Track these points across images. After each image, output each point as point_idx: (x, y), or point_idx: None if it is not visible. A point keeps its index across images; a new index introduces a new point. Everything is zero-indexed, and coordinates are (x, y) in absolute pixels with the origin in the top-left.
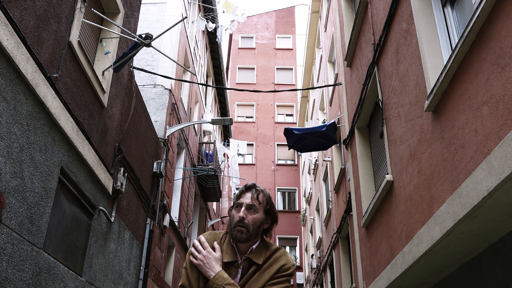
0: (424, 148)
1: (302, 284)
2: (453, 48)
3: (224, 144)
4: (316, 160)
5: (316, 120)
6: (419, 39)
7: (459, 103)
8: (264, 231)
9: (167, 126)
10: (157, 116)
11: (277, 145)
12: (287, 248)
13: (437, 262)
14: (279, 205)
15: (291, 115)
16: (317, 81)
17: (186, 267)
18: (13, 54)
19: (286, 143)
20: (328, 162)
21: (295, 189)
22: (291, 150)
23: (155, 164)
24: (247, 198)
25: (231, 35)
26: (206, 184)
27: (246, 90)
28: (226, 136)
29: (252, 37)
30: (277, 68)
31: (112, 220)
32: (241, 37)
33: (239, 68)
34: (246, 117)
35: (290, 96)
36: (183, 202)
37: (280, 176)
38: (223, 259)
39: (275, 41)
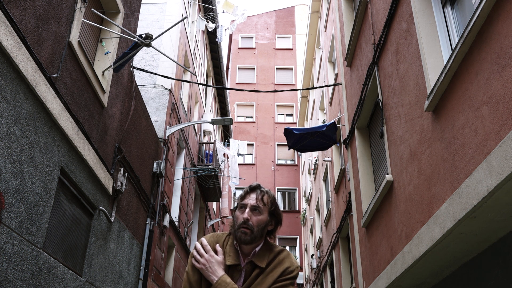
0: (424, 148)
1: (302, 284)
2: (453, 48)
3: (224, 144)
4: (316, 160)
5: (316, 120)
6: (419, 39)
7: (459, 103)
8: (268, 232)
9: (167, 126)
10: (157, 116)
11: (277, 145)
12: (287, 248)
13: (437, 262)
14: (279, 205)
15: (291, 115)
16: (317, 81)
17: (188, 270)
18: (13, 54)
19: (286, 143)
20: (328, 162)
21: (295, 189)
22: (291, 150)
23: (155, 164)
24: (251, 199)
25: (231, 35)
26: (206, 184)
27: (246, 90)
28: (226, 136)
29: (252, 37)
30: (277, 68)
31: (112, 220)
32: (241, 37)
33: (239, 68)
34: (246, 117)
35: (290, 96)
36: (183, 202)
37: (280, 176)
38: (225, 262)
39: (275, 41)
